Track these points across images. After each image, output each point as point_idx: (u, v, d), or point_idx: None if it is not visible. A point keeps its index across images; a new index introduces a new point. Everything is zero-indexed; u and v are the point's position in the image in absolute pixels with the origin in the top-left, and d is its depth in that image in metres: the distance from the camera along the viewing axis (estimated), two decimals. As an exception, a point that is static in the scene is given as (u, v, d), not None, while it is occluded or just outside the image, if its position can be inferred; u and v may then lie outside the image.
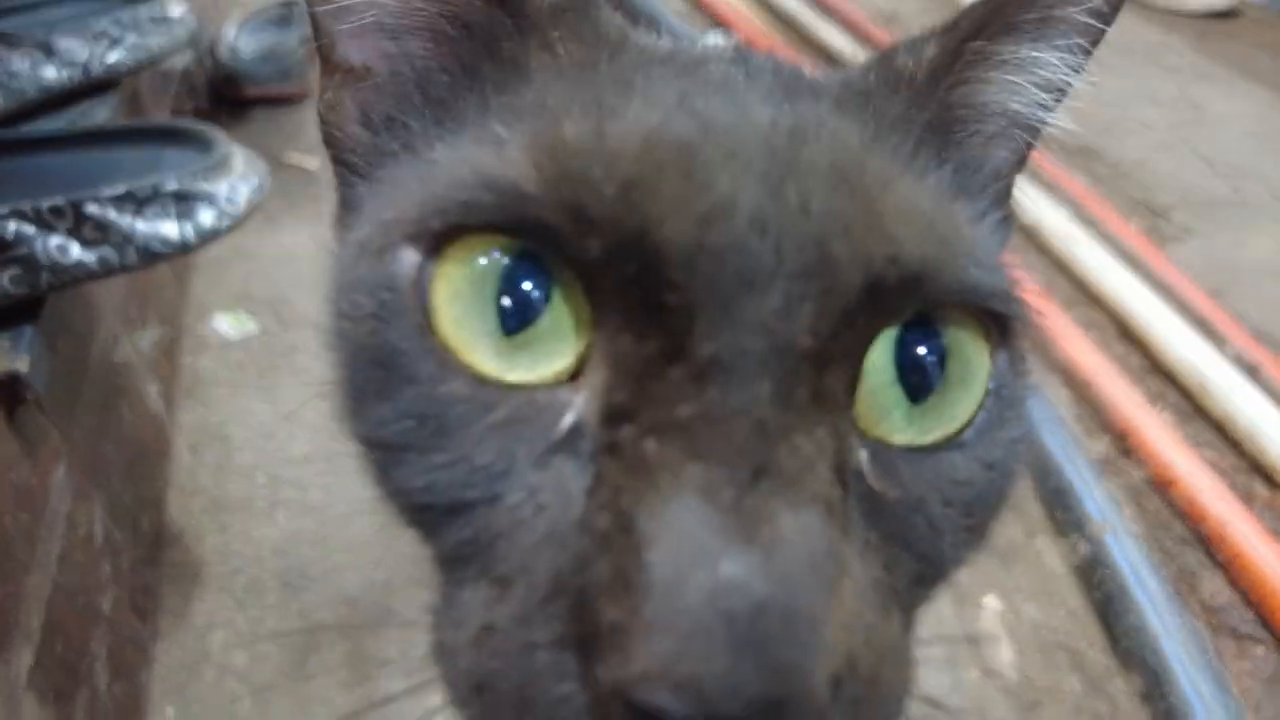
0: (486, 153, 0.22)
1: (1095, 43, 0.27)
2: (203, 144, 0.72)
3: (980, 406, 0.23)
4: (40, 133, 0.74)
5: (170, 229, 0.65)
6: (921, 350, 0.22)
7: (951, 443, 0.22)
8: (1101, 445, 0.89)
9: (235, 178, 0.69)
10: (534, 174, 0.20)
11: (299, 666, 0.77)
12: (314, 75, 1.37)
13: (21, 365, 0.59)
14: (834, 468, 0.20)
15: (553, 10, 0.25)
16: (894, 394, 0.22)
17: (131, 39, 0.93)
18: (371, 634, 0.79)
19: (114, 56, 0.91)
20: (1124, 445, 0.87)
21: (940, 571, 0.24)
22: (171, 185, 0.64)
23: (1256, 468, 0.84)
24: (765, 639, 0.16)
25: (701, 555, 0.17)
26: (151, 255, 0.64)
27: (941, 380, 0.22)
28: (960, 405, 0.22)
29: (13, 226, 0.60)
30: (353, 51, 0.26)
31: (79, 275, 0.63)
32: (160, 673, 0.76)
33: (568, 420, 0.20)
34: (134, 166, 0.71)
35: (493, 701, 0.20)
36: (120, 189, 0.62)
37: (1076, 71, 0.26)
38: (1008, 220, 0.30)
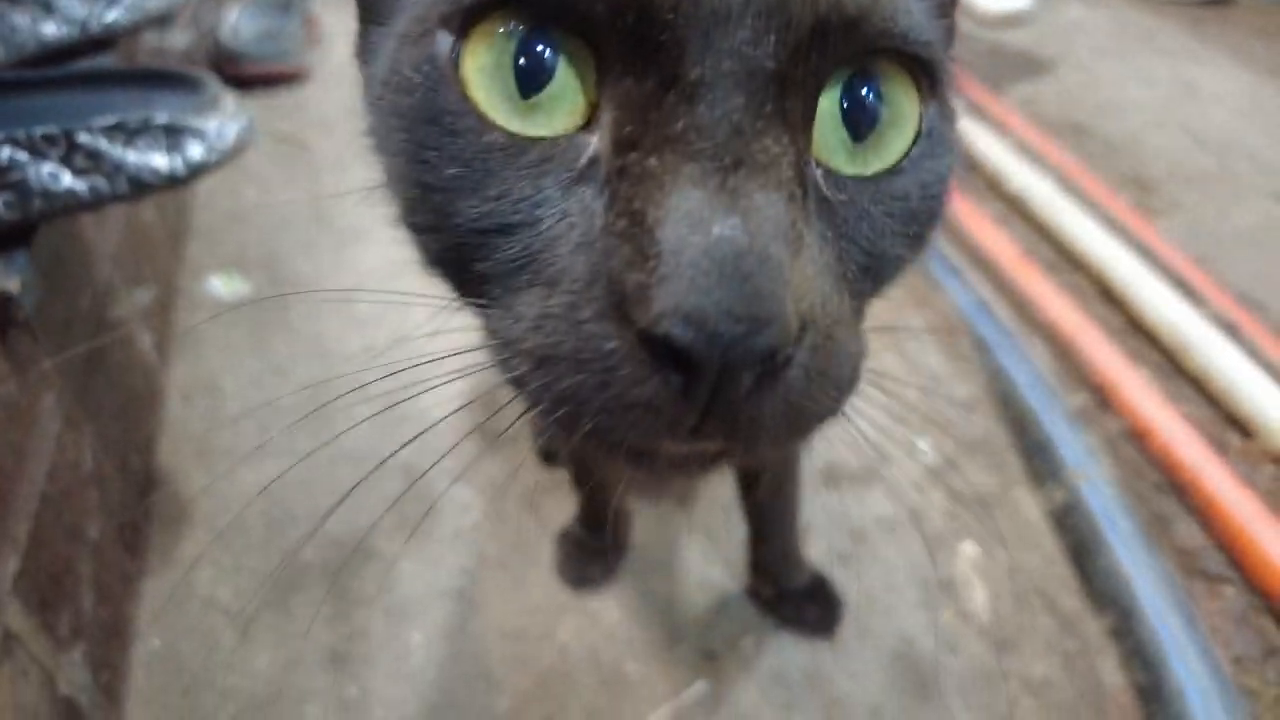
0: None
1: None
2: (194, 86, 0.73)
3: (913, 144, 0.27)
4: (36, 74, 0.76)
5: (160, 160, 0.66)
6: (863, 95, 0.26)
7: (890, 172, 0.27)
8: (1080, 399, 0.89)
9: (225, 117, 0.71)
10: None
11: (282, 602, 0.78)
12: (312, 60, 1.40)
13: (13, 286, 0.61)
14: (795, 169, 0.24)
15: None
16: (840, 133, 0.26)
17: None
18: (352, 573, 0.80)
19: (111, 15, 0.93)
20: (1102, 399, 0.88)
21: (885, 270, 0.28)
22: (162, 118, 0.66)
23: (1231, 420, 0.85)
24: (747, 277, 0.21)
25: (696, 223, 0.22)
26: (142, 185, 0.66)
27: (879, 122, 0.26)
28: (895, 143, 0.27)
29: (6, 153, 0.61)
30: None
31: (70, 203, 0.64)
32: (148, 605, 0.77)
33: (586, 156, 0.25)
34: (126, 105, 0.73)
35: (554, 368, 0.25)
36: (111, 120, 0.64)
37: None
38: (949, 29, 0.33)
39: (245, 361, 1.03)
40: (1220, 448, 0.82)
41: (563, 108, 0.25)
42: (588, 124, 0.25)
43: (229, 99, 0.73)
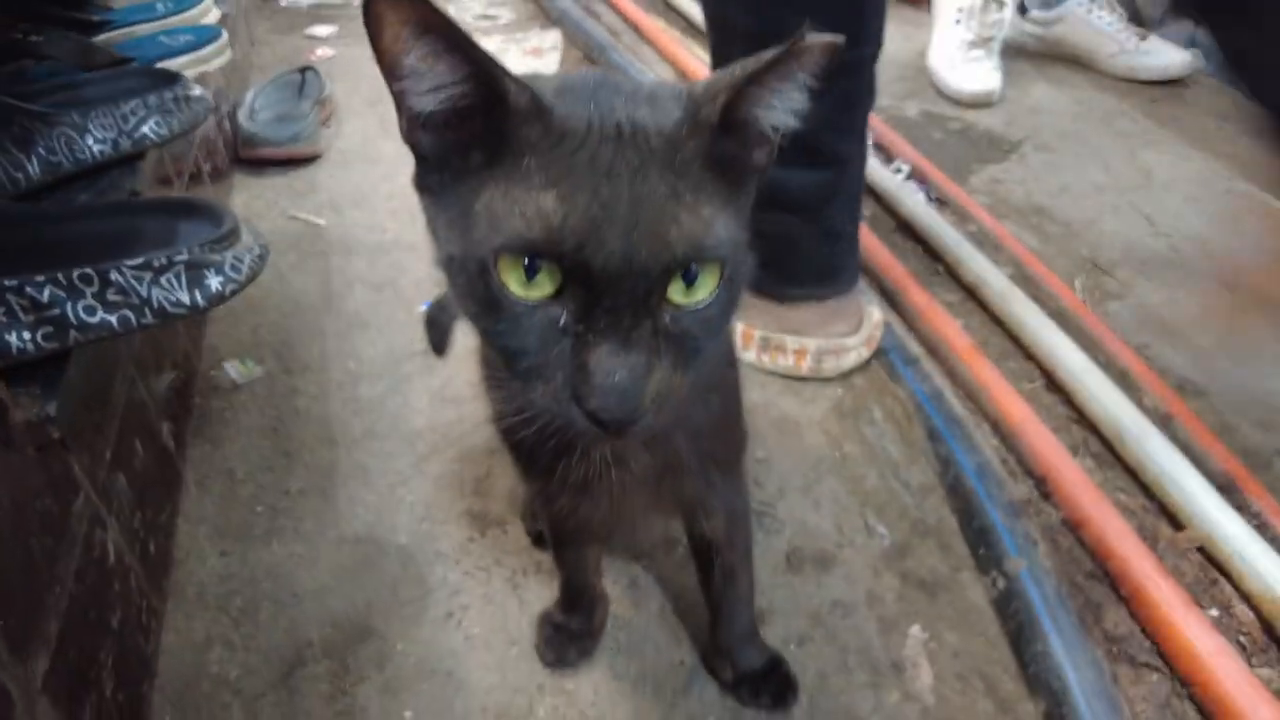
0: (512, 215, 0.42)
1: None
2: (213, 217, 0.82)
3: (713, 291, 0.45)
4: (72, 207, 0.85)
5: (182, 294, 0.75)
6: (692, 271, 0.44)
7: (702, 303, 0.45)
8: (1024, 488, 0.96)
9: (240, 248, 0.80)
10: (540, 232, 0.41)
11: (286, 679, 0.85)
12: (325, 138, 1.50)
13: (51, 410, 0.69)
14: (654, 334, 0.43)
15: (525, 110, 0.42)
16: (680, 284, 0.44)
17: (156, 117, 1.05)
18: (351, 652, 0.87)
19: (140, 132, 1.03)
20: (1044, 489, 0.95)
21: (705, 351, 0.47)
22: (183, 256, 0.75)
23: (1163, 510, 0.92)
24: (628, 392, 0.42)
25: (608, 369, 0.42)
26: (166, 316, 0.75)
27: (698, 280, 0.44)
28: (705, 289, 0.45)
29: (48, 292, 0.70)
30: (415, 104, 0.44)
31: (102, 333, 0.73)
32: (161, 685, 0.84)
33: (561, 320, 0.43)
34: (152, 235, 0.82)
35: (543, 425, 0.45)
36: (140, 259, 0.73)
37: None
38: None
39: (257, 444, 1.12)
40: (1151, 537, 0.89)
41: (544, 287, 0.43)
42: (558, 295, 0.43)
43: (244, 229, 0.82)
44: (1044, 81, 1.79)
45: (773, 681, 0.81)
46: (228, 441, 1.12)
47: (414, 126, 0.45)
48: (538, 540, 0.96)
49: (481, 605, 0.91)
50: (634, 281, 0.41)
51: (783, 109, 0.45)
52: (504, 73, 0.42)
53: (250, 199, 1.63)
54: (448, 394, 1.17)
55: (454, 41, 0.40)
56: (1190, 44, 1.95)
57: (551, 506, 0.74)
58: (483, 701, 0.83)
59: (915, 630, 0.87)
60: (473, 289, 0.44)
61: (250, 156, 1.71)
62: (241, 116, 1.73)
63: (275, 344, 1.27)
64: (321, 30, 2.36)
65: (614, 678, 0.84)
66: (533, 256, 0.42)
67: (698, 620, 0.87)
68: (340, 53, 2.19)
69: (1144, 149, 1.57)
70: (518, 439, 0.62)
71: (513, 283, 0.43)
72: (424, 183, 0.48)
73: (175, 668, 0.86)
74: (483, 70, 0.41)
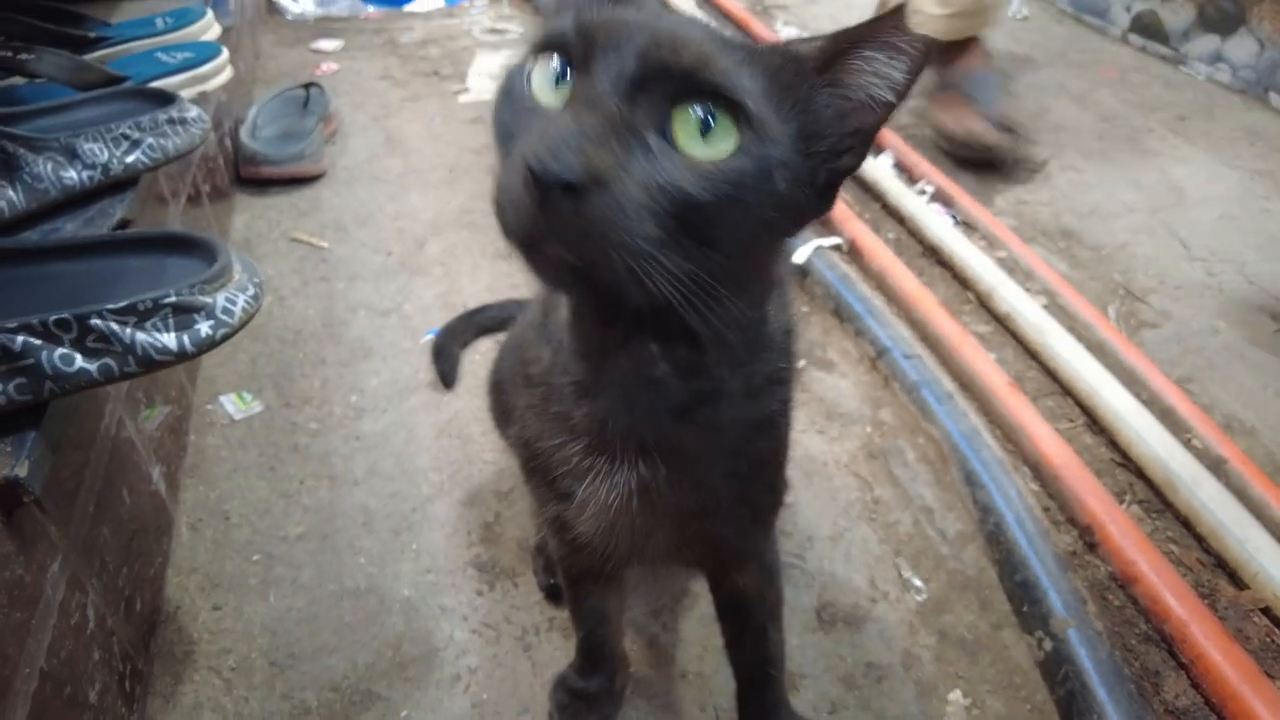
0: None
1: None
2: (205, 253, 0.77)
3: (731, 153, 0.41)
4: (49, 242, 0.79)
5: (169, 340, 0.69)
6: (702, 112, 0.41)
7: (713, 164, 0.41)
8: (1068, 539, 0.90)
9: (233, 288, 0.74)
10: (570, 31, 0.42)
11: (280, 751, 0.79)
12: (329, 156, 1.44)
13: (20, 470, 0.63)
14: (630, 129, 0.40)
15: None
16: (691, 124, 0.41)
17: (149, 140, 0.99)
18: (351, 719, 0.81)
19: (132, 157, 0.98)
20: (1090, 539, 0.89)
21: (693, 224, 0.42)
22: (170, 299, 0.69)
23: (1221, 564, 0.86)
24: (561, 138, 0.38)
25: (559, 122, 0.39)
26: (151, 363, 0.69)
27: (712, 132, 0.41)
28: (719, 145, 0.41)
29: (20, 339, 0.65)
30: None
31: (81, 383, 0.67)
32: (146, 756, 0.79)
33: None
34: (138, 274, 0.77)
35: (506, 188, 0.40)
36: (122, 303, 0.67)
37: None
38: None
39: (253, 483, 1.06)
40: (1210, 596, 0.83)
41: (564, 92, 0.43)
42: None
43: (237, 267, 0.76)
44: (1066, 99, 1.74)
45: (806, 756, 0.75)
46: (223, 481, 1.06)
47: None
48: (551, 594, 0.90)
49: (491, 667, 0.85)
50: (623, 61, 0.40)
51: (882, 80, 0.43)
52: None
53: (252, 219, 1.58)
54: (455, 429, 1.11)
55: None
56: (1216, 59, 1.90)
57: (566, 535, 0.66)
58: (492, 775, 0.77)
59: (956, 695, 0.81)
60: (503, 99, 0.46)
61: (252, 175, 1.66)
62: (244, 134, 1.68)
63: (274, 375, 1.22)
64: (327, 44, 2.31)
65: (634, 750, 0.78)
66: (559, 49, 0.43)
67: (722, 682, 0.81)
68: (345, 67, 2.15)
69: (1174, 167, 1.51)
70: (535, 452, 0.60)
71: (538, 88, 0.44)
72: None
73: (162, 737, 0.80)
74: None
